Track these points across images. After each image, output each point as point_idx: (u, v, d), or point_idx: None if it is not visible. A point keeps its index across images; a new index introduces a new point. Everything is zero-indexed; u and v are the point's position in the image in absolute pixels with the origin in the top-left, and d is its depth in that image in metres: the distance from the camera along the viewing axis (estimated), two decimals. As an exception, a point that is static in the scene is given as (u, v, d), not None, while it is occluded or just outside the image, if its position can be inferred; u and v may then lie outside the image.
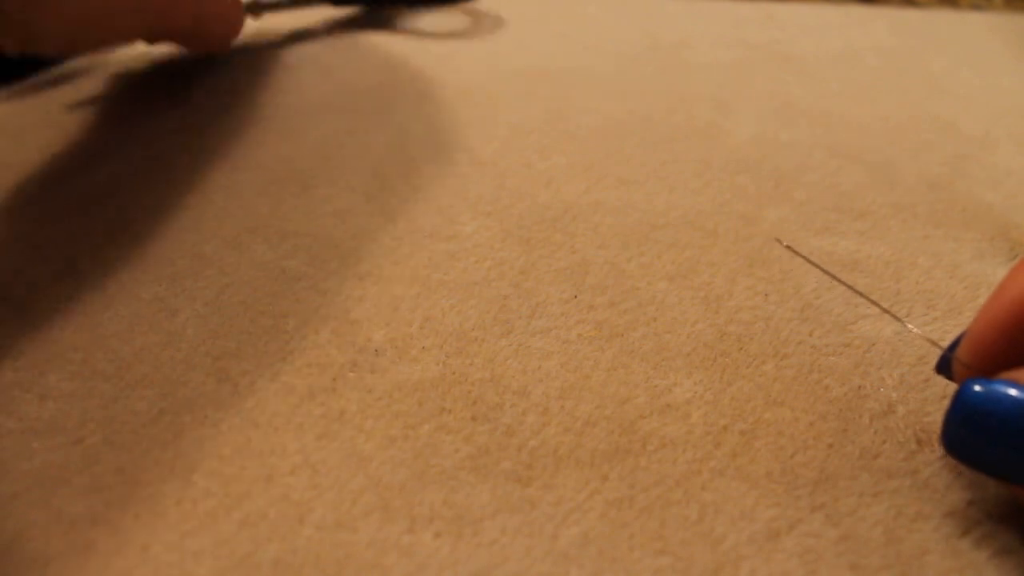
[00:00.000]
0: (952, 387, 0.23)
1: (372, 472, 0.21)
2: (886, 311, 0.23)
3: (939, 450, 0.22)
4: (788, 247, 0.25)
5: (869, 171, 0.34)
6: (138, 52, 0.47)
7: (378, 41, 0.48)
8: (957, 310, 0.26)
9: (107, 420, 0.22)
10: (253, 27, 0.50)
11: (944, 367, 0.21)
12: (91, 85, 0.43)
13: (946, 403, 0.23)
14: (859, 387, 0.24)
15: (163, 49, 0.47)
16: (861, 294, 0.24)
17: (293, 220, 0.30)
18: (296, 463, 0.21)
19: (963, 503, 0.20)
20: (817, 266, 0.25)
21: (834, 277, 0.25)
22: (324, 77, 0.43)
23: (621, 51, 0.45)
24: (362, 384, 0.24)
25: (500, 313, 0.26)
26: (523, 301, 0.27)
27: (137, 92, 0.43)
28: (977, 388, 0.18)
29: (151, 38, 0.37)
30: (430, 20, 0.52)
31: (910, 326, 0.22)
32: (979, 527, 0.20)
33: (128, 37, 0.35)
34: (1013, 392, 0.17)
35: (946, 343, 0.25)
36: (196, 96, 0.42)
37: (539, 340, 0.25)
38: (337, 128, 0.37)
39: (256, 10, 0.48)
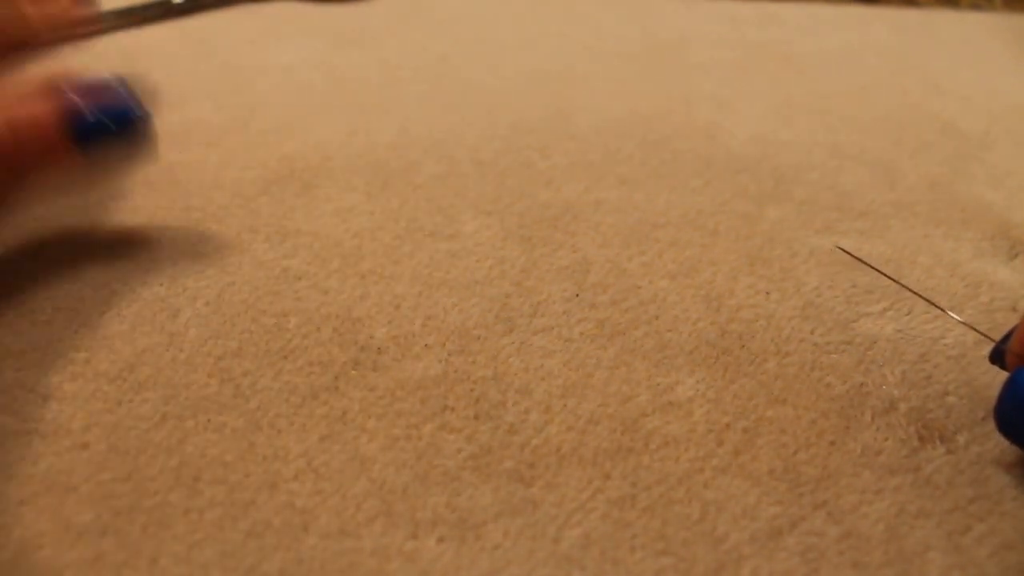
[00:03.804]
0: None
1: (375, 475, 0.21)
2: (975, 329, 0.23)
3: (941, 447, 0.22)
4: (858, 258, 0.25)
5: (869, 170, 0.34)
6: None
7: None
8: (958, 308, 0.26)
9: (112, 425, 0.22)
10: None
11: (997, 357, 0.22)
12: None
13: (949, 399, 0.23)
14: (861, 384, 0.24)
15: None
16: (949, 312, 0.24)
17: (294, 219, 0.30)
18: (299, 468, 0.21)
19: (965, 500, 0.21)
20: (888, 277, 0.25)
21: (913, 292, 0.26)
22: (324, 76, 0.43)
23: (621, 51, 0.45)
24: (364, 382, 0.24)
25: (502, 311, 0.26)
26: (525, 300, 0.27)
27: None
28: None
29: None
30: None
31: (991, 339, 0.23)
32: (981, 524, 0.20)
33: None
34: None
35: (947, 341, 0.25)
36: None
37: (541, 338, 0.25)
38: (338, 128, 0.37)
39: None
